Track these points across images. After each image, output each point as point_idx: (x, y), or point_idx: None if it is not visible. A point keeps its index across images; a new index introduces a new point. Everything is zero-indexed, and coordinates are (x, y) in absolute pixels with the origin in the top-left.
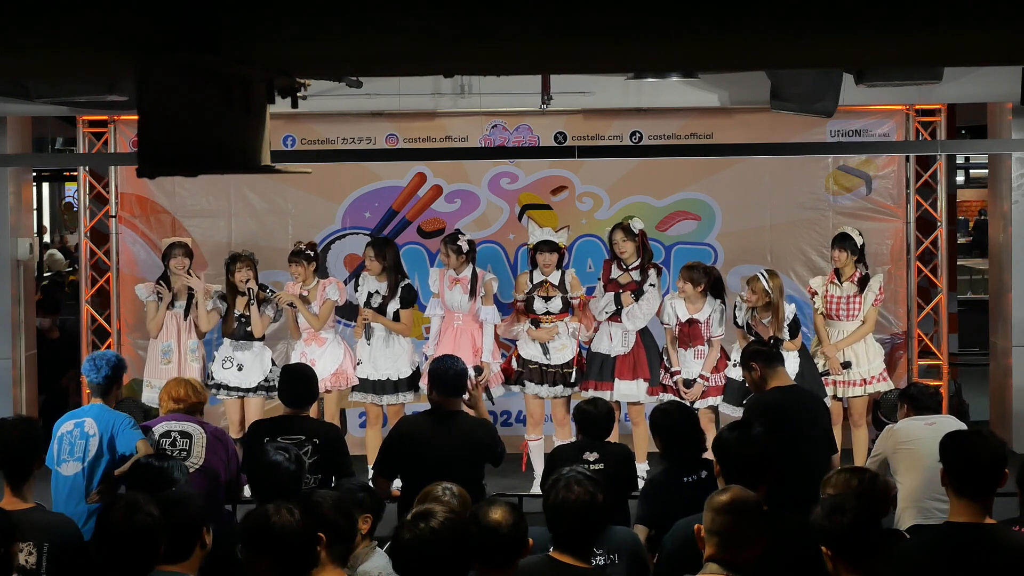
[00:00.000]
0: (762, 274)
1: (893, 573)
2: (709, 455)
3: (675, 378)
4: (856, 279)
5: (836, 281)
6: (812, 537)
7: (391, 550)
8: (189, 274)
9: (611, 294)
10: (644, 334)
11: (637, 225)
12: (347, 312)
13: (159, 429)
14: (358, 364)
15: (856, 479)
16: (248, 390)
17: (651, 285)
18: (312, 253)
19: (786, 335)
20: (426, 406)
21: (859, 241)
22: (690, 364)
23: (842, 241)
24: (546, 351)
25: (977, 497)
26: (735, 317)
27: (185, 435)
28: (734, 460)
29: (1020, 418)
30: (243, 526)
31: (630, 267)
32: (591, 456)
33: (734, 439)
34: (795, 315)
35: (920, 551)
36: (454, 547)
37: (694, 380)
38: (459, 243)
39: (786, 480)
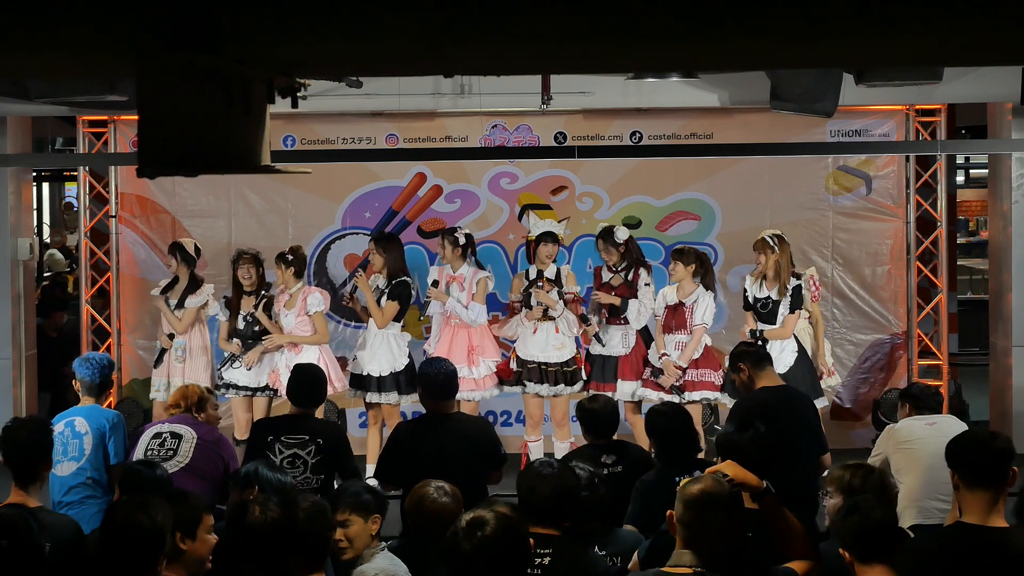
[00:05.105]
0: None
1: (900, 572)
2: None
3: (648, 356)
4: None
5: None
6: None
7: (448, 561)
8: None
9: (596, 316)
10: (644, 334)
11: (621, 236)
12: (348, 313)
13: (150, 432)
14: (352, 360)
15: (853, 475)
16: (256, 390)
17: (646, 284)
18: (291, 258)
19: (785, 307)
20: (419, 406)
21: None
22: (670, 353)
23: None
24: (546, 347)
25: (989, 486)
26: (744, 301)
27: (175, 435)
28: (746, 462)
29: (1020, 418)
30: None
31: (619, 269)
32: (609, 459)
33: (745, 441)
34: (799, 288)
35: (929, 550)
36: (513, 548)
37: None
38: (456, 235)
39: (775, 481)
